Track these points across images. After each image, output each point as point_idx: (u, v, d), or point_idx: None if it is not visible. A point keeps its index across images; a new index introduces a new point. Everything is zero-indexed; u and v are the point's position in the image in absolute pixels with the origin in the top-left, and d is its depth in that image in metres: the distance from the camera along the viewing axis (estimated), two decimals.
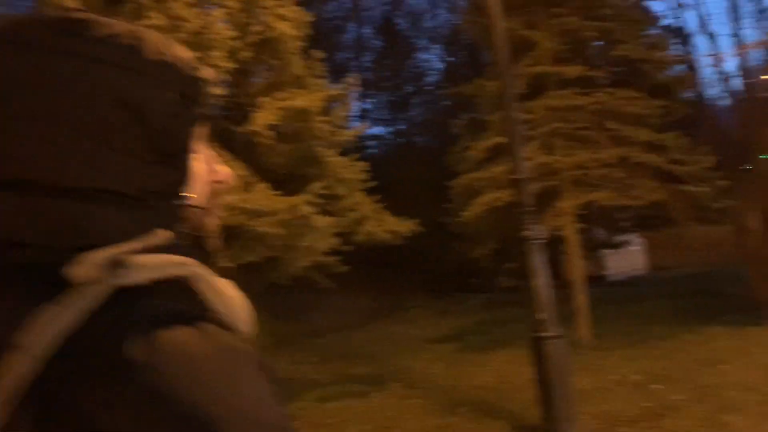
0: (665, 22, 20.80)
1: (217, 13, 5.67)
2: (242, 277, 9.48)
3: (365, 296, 18.31)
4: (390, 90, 26.77)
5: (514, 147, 6.13)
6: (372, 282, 19.19)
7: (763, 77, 14.56)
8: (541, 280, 6.00)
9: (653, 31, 9.95)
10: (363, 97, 28.09)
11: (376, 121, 27.98)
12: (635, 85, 9.03)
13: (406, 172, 19.99)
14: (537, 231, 6.07)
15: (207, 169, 0.71)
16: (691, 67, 18.86)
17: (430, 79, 26.93)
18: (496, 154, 8.74)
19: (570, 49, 9.13)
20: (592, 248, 14.29)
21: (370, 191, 9.02)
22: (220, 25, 5.60)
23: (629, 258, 17.93)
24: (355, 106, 8.97)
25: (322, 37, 25.45)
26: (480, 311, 14.27)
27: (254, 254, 6.27)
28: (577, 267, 9.57)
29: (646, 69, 9.24)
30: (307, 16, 7.21)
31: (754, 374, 7.14)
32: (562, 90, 8.98)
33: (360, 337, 13.87)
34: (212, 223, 0.72)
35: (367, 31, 27.33)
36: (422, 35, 26.47)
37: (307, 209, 6.11)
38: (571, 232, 9.46)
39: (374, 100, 27.23)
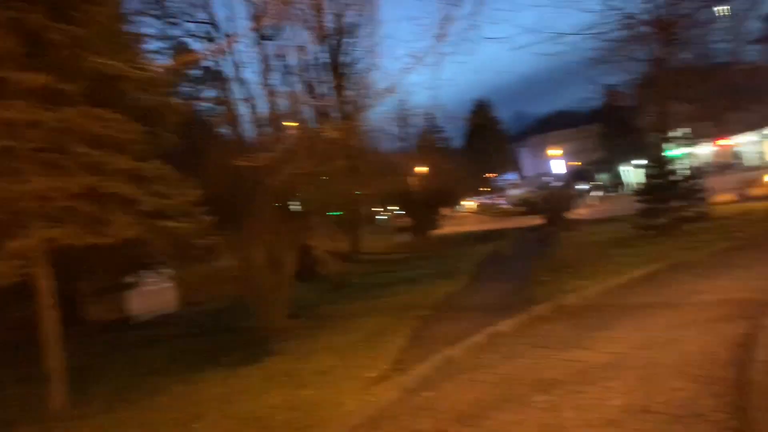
0: (205, 64, 21.14)
1: None
2: None
3: None
4: None
5: None
6: None
7: (286, 124, 15.48)
8: None
9: (138, 50, 9.04)
10: None
11: None
12: (115, 106, 7.84)
13: None
14: None
15: None
16: (229, 108, 19.21)
17: None
18: None
19: (34, 53, 7.44)
20: (107, 291, 12.70)
21: None
22: None
23: (160, 296, 16.82)
24: None
25: None
26: None
27: None
28: (48, 320, 7.78)
29: (126, 88, 8.17)
30: None
31: None
32: (20, 100, 7.18)
33: None
34: None
35: None
36: None
37: None
38: (40, 276, 7.66)
39: None
